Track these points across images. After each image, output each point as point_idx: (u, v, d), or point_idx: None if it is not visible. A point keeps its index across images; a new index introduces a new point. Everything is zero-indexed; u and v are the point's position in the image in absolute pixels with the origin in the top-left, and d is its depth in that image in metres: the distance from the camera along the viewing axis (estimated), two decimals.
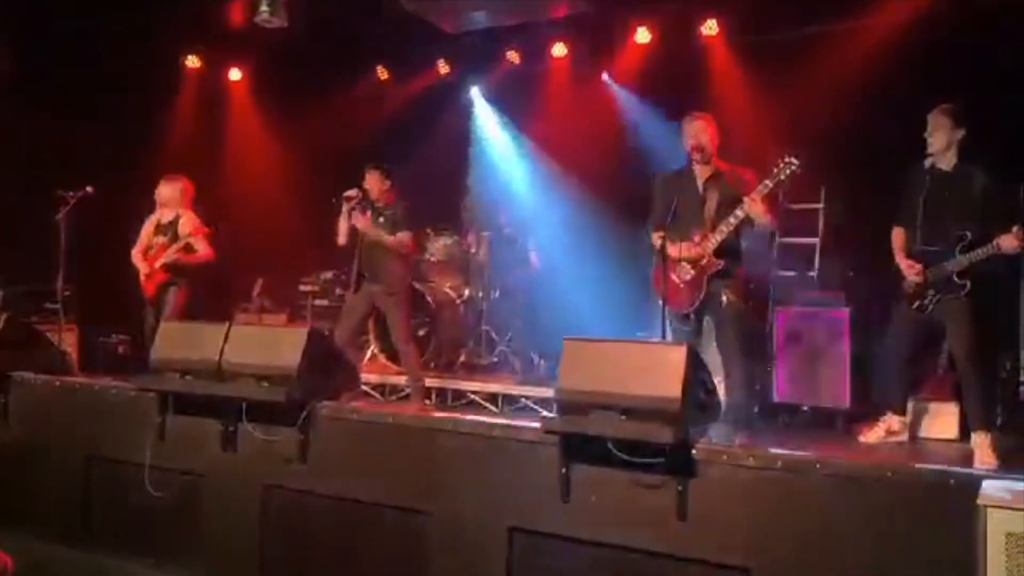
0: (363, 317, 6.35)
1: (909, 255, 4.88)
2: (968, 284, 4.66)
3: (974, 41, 6.18)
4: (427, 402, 6.28)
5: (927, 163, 4.88)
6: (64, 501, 5.58)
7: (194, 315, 6.23)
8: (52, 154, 7.79)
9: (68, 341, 6.97)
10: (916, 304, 4.82)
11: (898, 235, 4.99)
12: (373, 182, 6.21)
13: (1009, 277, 5.52)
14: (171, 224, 6.46)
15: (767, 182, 4.49)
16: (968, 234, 4.68)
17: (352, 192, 6.13)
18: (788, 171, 4.46)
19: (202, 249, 6.41)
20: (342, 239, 6.19)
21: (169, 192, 6.50)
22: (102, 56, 7.93)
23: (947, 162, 4.83)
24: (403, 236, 6.14)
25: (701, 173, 4.78)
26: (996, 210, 4.67)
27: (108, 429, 5.48)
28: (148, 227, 6.55)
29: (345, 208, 6.10)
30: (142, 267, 6.43)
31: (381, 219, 6.13)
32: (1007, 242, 4.50)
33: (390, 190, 6.22)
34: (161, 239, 6.41)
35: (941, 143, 4.80)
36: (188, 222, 6.43)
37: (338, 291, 8.46)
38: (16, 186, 7.65)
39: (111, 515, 5.40)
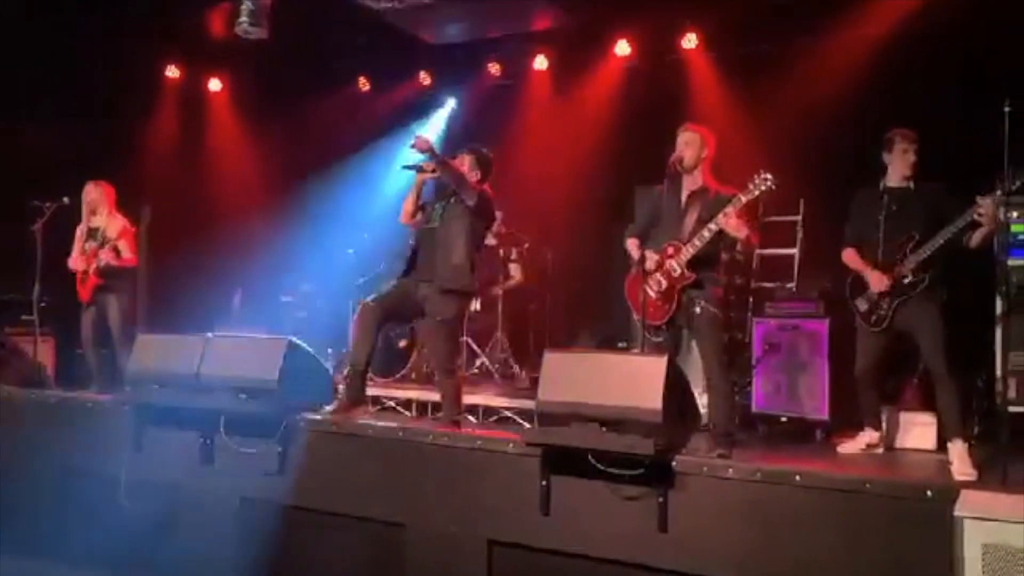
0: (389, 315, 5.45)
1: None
2: (925, 280, 4.69)
3: (952, 58, 6.27)
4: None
5: (881, 184, 4.97)
6: (38, 514, 5.51)
7: (139, 321, 6.42)
8: (29, 164, 7.73)
9: (44, 353, 6.92)
10: (874, 319, 4.84)
11: (852, 254, 5.00)
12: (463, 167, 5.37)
13: (976, 279, 5.43)
14: (99, 228, 6.59)
15: (740, 196, 4.49)
16: (916, 234, 4.74)
17: (429, 163, 5.22)
18: (763, 187, 4.46)
19: (125, 252, 6.50)
20: (406, 218, 5.41)
21: (95, 195, 6.61)
22: (81, 66, 7.89)
23: (902, 180, 4.91)
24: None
25: (686, 187, 4.78)
26: (948, 212, 4.69)
27: (84, 441, 5.43)
28: (79, 233, 6.66)
29: (417, 180, 5.31)
30: (78, 270, 6.54)
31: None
32: (981, 206, 4.48)
33: (478, 182, 5.33)
34: (92, 244, 6.53)
35: (898, 164, 4.90)
36: (114, 225, 6.56)
37: (318, 303, 8.43)
38: None
39: (86, 528, 5.33)
